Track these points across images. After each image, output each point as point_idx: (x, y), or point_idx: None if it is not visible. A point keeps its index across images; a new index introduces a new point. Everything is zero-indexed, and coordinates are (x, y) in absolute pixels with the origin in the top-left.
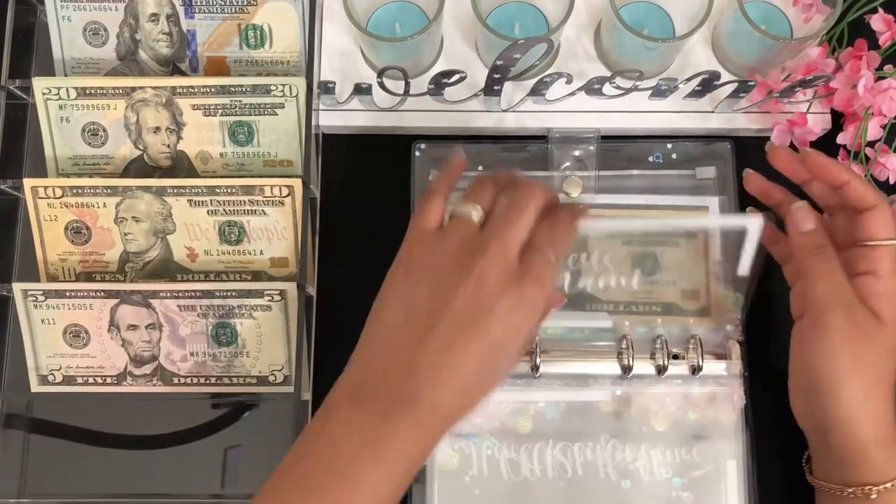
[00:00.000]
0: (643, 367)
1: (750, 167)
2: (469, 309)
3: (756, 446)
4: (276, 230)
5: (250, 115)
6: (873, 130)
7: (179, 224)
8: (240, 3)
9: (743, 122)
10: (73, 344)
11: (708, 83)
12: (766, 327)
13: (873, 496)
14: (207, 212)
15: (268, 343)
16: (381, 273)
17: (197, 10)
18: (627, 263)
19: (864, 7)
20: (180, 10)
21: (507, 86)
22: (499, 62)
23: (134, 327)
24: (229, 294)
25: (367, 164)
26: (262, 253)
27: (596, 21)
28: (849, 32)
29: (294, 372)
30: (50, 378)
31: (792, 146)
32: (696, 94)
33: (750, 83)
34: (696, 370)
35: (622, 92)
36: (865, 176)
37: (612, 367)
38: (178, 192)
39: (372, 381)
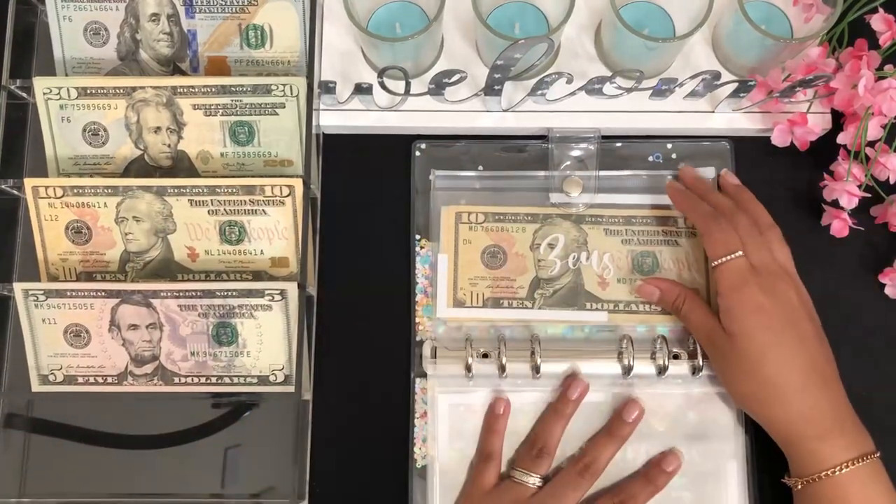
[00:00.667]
0: (643, 367)
1: (749, 167)
2: None
3: (755, 446)
4: (276, 230)
5: (251, 114)
6: (873, 130)
7: (180, 224)
8: (240, 3)
9: (743, 122)
10: (73, 343)
11: (708, 83)
12: None
13: (798, 487)
14: (208, 211)
15: (268, 343)
16: (382, 273)
17: (197, 10)
18: (627, 262)
19: (864, 7)
20: (181, 10)
21: (508, 86)
22: (499, 62)
23: (135, 327)
24: (230, 294)
25: (367, 164)
26: (262, 253)
27: (596, 21)
28: (849, 32)
29: (294, 371)
30: (51, 378)
31: (785, 149)
32: (697, 94)
33: (750, 83)
34: (696, 370)
35: (622, 92)
36: (865, 176)
37: (613, 367)
38: (178, 192)
39: None
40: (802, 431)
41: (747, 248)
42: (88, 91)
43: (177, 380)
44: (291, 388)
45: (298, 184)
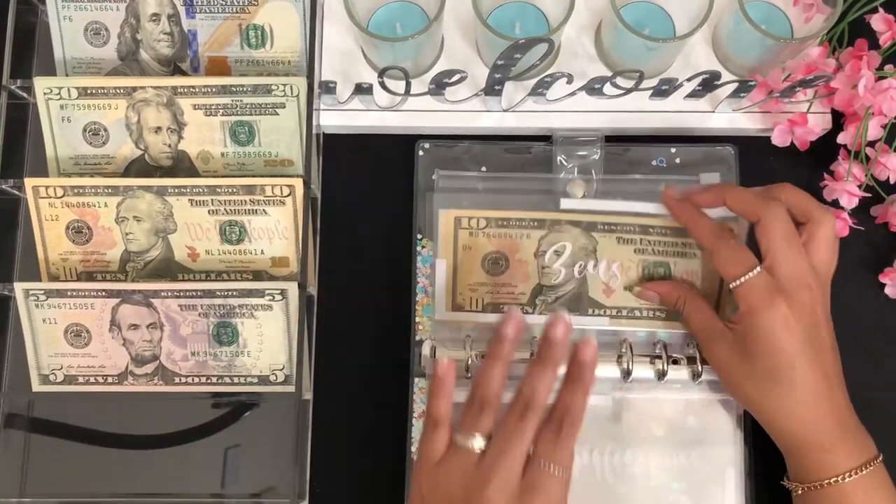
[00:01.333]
0: (643, 371)
1: (749, 167)
2: None
3: (754, 452)
4: (276, 230)
5: (251, 114)
6: (874, 130)
7: (180, 224)
8: (241, 3)
9: (743, 122)
10: (74, 343)
11: (708, 83)
12: None
13: (799, 491)
14: (208, 211)
15: (269, 342)
16: (382, 273)
17: (198, 10)
18: (637, 272)
19: (864, 7)
20: (181, 10)
21: (508, 86)
22: (500, 62)
23: (135, 327)
24: (230, 293)
25: (367, 164)
26: (262, 252)
27: (597, 21)
28: (849, 32)
29: (295, 371)
30: (51, 377)
31: (785, 149)
32: (697, 94)
33: (750, 83)
34: (696, 376)
35: (623, 92)
36: (866, 176)
37: (612, 371)
38: (179, 192)
39: None
40: (809, 440)
41: (773, 258)
42: (89, 91)
43: (177, 380)
44: (291, 388)
45: (299, 184)
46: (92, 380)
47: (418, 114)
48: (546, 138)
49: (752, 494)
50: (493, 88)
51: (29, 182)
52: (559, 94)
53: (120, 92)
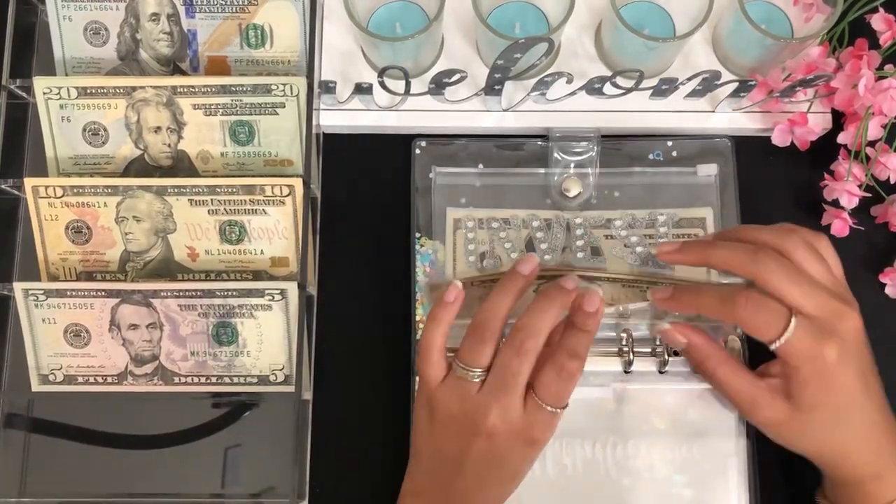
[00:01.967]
0: (644, 364)
1: (749, 167)
2: (485, 461)
3: (756, 443)
4: (276, 230)
5: (251, 114)
6: (874, 130)
7: (180, 223)
8: (240, 3)
9: (743, 121)
10: (73, 343)
11: (708, 83)
12: None
13: None
14: (208, 211)
15: (268, 342)
16: (382, 272)
17: (198, 10)
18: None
19: (864, 7)
20: (181, 10)
21: (508, 85)
22: (499, 62)
23: (135, 327)
24: (230, 293)
25: (367, 164)
26: (262, 252)
27: (596, 21)
28: (849, 32)
29: (295, 371)
30: (51, 377)
31: (785, 149)
32: (697, 93)
33: (750, 83)
34: None
35: (623, 91)
36: (866, 175)
37: (613, 364)
38: (178, 192)
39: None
40: (866, 472)
41: (797, 304)
42: (88, 91)
43: (177, 380)
44: (291, 388)
45: (298, 183)
46: (91, 380)
47: (418, 113)
48: (544, 137)
49: (755, 486)
50: (492, 88)
51: (28, 182)
52: (559, 93)
53: (119, 92)
